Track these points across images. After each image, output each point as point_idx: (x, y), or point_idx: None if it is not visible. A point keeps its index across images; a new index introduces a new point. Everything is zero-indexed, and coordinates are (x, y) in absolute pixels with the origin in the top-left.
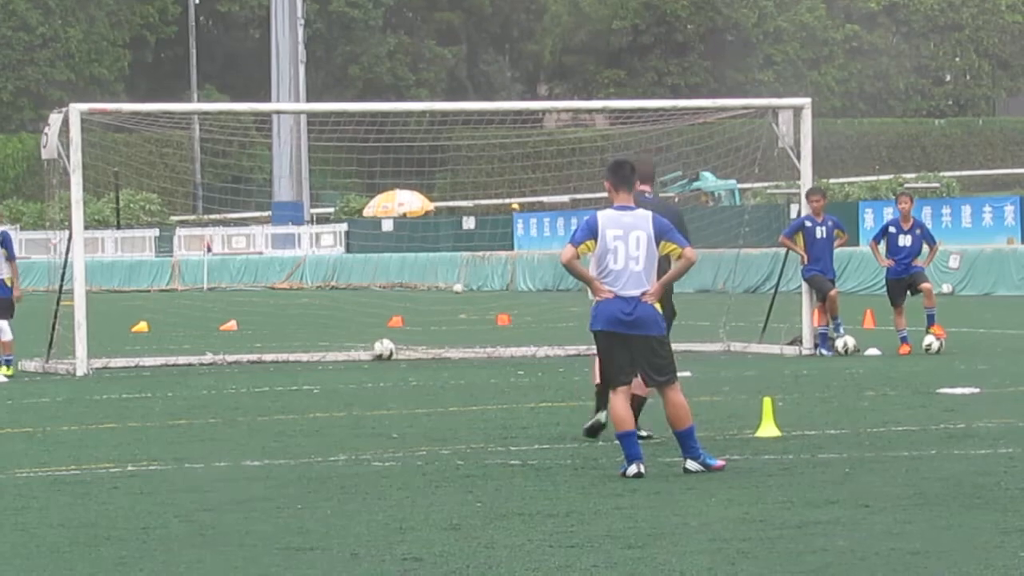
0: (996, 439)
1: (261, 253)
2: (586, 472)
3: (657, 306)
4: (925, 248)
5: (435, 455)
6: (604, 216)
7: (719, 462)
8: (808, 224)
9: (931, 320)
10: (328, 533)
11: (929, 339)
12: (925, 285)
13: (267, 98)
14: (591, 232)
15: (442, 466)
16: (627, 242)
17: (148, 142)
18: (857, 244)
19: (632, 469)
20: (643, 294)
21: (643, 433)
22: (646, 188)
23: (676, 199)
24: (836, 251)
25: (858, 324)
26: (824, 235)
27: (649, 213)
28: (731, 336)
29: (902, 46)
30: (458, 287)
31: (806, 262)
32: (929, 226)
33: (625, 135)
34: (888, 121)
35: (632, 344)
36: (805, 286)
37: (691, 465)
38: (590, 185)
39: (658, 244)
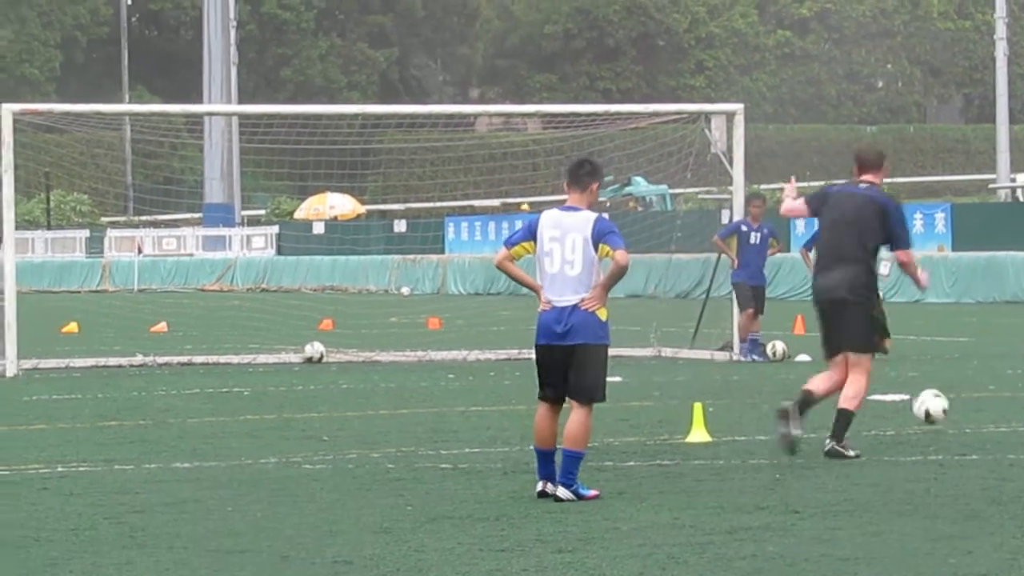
0: (926, 446)
1: (192, 255)
2: (517, 476)
3: (602, 313)
4: None
5: (365, 458)
6: (545, 216)
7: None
8: (743, 228)
9: None
10: (258, 535)
11: None
12: None
13: (199, 100)
14: (529, 233)
15: (372, 469)
16: (563, 244)
17: (79, 143)
18: (788, 250)
19: (539, 486)
20: (582, 300)
21: (850, 453)
22: (868, 178)
23: (608, 204)
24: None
25: (789, 330)
26: (757, 241)
27: (593, 215)
28: (662, 341)
29: (834, 52)
30: (405, 290)
31: (736, 266)
32: None
33: (557, 139)
34: (819, 127)
35: (565, 354)
36: (734, 292)
37: (563, 493)
38: (521, 189)
39: (596, 247)
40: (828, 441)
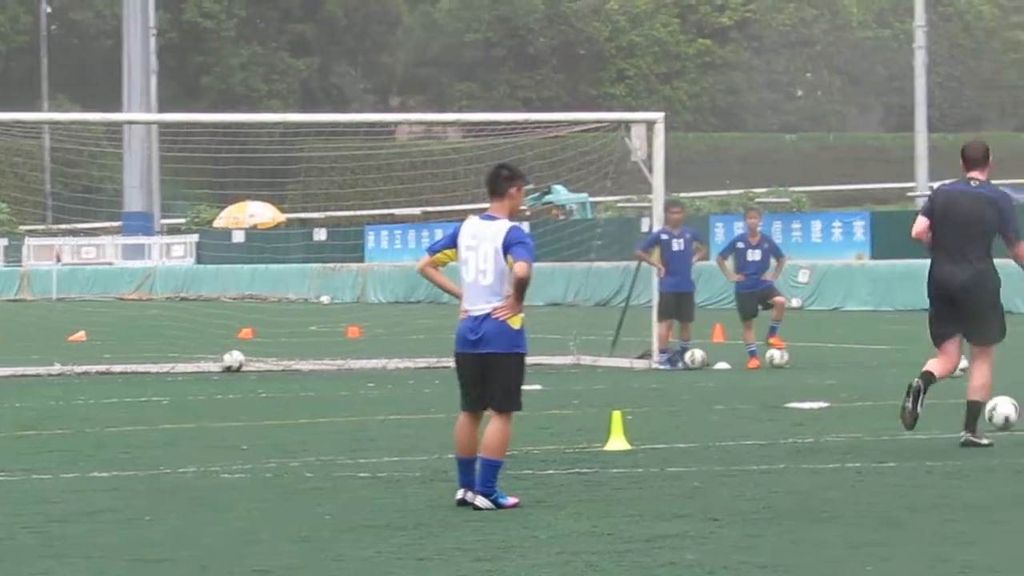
0: (844, 453)
1: (111, 264)
2: (436, 484)
3: (515, 321)
4: (773, 262)
5: (285, 467)
6: (466, 225)
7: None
8: (664, 237)
9: (773, 331)
10: (177, 545)
11: (771, 351)
12: (778, 299)
13: (119, 108)
14: (452, 240)
15: (292, 478)
16: (478, 253)
17: None
18: (708, 258)
19: (458, 495)
20: (494, 310)
21: (984, 441)
22: (976, 175)
23: (528, 212)
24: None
25: (707, 338)
26: (681, 247)
27: (508, 225)
28: (581, 349)
29: (754, 61)
30: (325, 298)
31: (663, 275)
32: (779, 241)
33: (477, 148)
34: (740, 136)
35: (479, 363)
36: (655, 299)
37: (481, 502)
38: (442, 198)
39: (506, 257)
40: (963, 433)
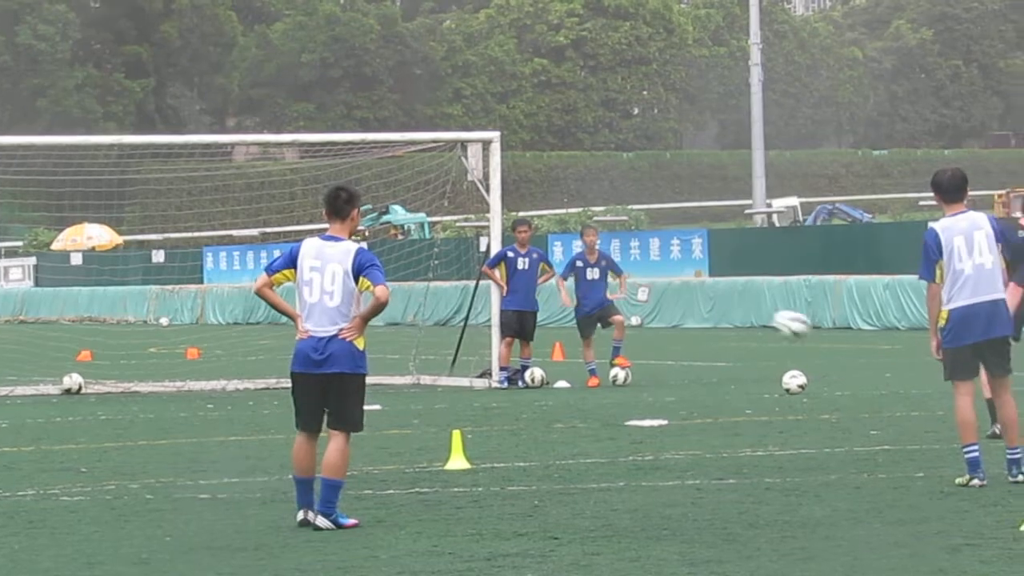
0: (683, 471)
1: None
2: (276, 505)
3: (359, 342)
4: (614, 280)
5: (124, 489)
6: (307, 245)
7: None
8: (510, 255)
9: (616, 352)
10: (15, 568)
11: (615, 371)
12: (617, 317)
13: None
14: (290, 261)
15: (131, 500)
16: (323, 275)
17: None
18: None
19: (299, 515)
20: (340, 331)
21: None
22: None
23: (366, 233)
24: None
25: (547, 357)
26: (526, 267)
27: (355, 246)
28: (421, 369)
29: (590, 80)
30: (164, 320)
31: (505, 293)
32: (618, 259)
33: (314, 168)
34: (576, 154)
35: (322, 383)
36: (495, 319)
37: (321, 522)
38: (279, 219)
39: (356, 279)
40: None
